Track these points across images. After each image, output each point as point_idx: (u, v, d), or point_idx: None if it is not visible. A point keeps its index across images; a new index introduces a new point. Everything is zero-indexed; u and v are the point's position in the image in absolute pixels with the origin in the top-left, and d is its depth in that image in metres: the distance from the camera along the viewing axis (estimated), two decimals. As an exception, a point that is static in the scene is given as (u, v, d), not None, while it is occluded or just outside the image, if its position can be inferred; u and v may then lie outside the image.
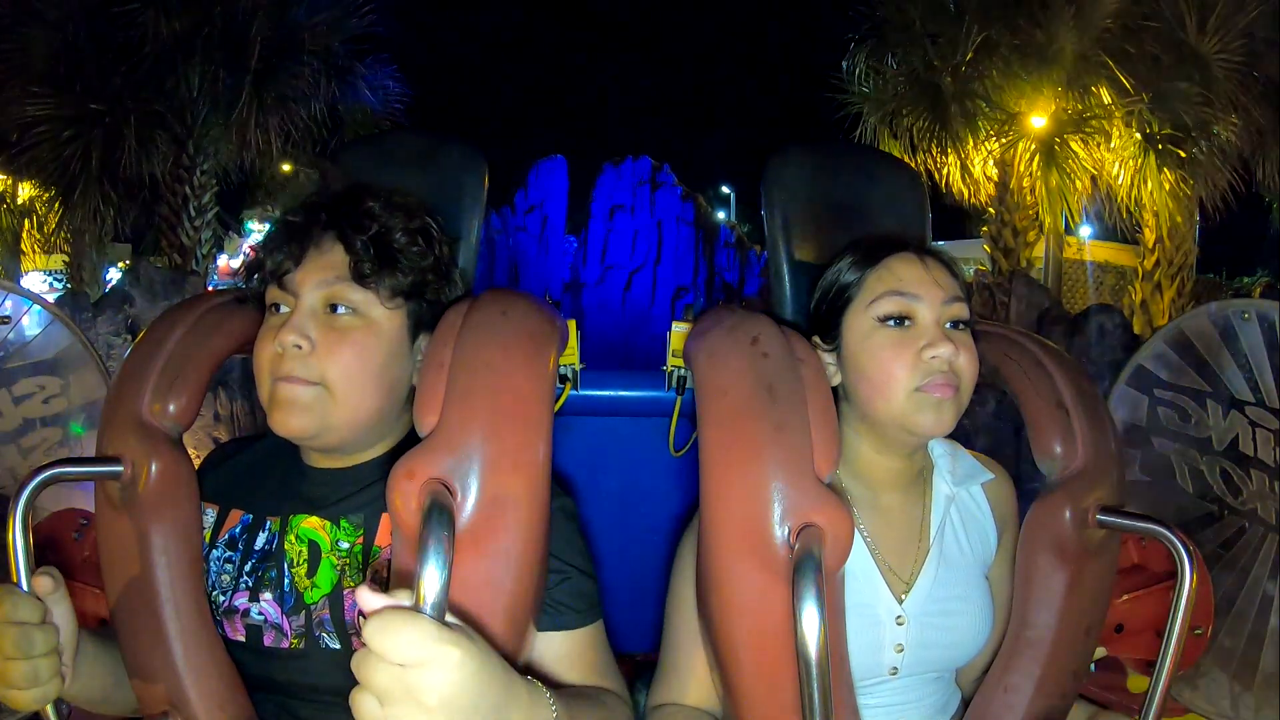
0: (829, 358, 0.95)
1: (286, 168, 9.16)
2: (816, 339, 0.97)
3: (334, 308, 0.86)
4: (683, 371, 1.14)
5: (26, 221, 7.95)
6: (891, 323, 0.90)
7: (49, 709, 0.80)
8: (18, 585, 0.78)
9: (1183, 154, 6.82)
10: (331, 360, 0.84)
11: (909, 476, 0.99)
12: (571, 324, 1.05)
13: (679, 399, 1.17)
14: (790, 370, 0.83)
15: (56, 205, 7.19)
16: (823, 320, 0.97)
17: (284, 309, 0.87)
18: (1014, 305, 6.05)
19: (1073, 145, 7.15)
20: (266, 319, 0.89)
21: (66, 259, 8.41)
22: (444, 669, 0.55)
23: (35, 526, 1.14)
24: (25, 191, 7.85)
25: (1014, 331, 1.04)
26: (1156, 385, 2.10)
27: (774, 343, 0.86)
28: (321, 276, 0.86)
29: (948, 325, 0.91)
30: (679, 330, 1.13)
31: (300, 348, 0.83)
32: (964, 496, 1.01)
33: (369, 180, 0.95)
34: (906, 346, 0.89)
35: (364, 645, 0.54)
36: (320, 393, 0.84)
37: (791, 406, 0.80)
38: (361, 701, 0.55)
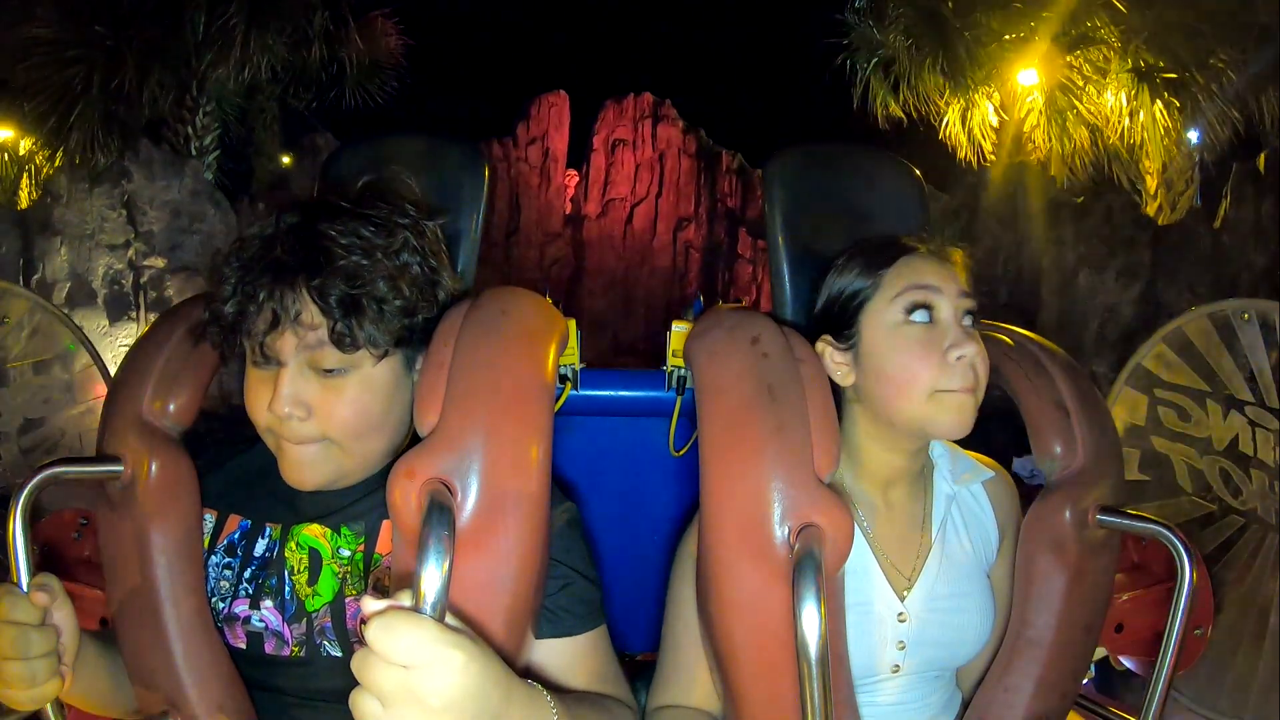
0: (843, 357, 0.94)
1: (286, 160, 9.09)
2: (828, 338, 0.95)
3: (323, 367, 0.81)
4: (683, 371, 1.14)
5: (25, 174, 7.75)
6: (918, 314, 0.89)
7: (48, 709, 0.80)
8: (17, 585, 0.78)
9: (1177, 76, 6.70)
10: (332, 422, 0.82)
11: (912, 474, 0.99)
12: (571, 323, 1.05)
13: (679, 399, 1.16)
14: (790, 370, 0.83)
15: (58, 131, 6.98)
16: (834, 321, 0.95)
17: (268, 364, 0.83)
18: (1019, 193, 6.10)
19: (1071, 61, 6.99)
20: (249, 368, 0.84)
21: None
22: (448, 671, 0.55)
23: (35, 526, 1.14)
24: (25, 145, 7.72)
25: (1014, 331, 1.04)
26: (1156, 385, 2.11)
27: (774, 343, 0.86)
28: (302, 340, 0.80)
29: (964, 319, 0.90)
30: (679, 330, 1.13)
31: (297, 415, 0.81)
32: (965, 496, 1.01)
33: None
34: (931, 347, 0.88)
35: (365, 646, 0.54)
36: (327, 445, 0.83)
37: (791, 406, 0.80)
38: (362, 702, 0.55)
